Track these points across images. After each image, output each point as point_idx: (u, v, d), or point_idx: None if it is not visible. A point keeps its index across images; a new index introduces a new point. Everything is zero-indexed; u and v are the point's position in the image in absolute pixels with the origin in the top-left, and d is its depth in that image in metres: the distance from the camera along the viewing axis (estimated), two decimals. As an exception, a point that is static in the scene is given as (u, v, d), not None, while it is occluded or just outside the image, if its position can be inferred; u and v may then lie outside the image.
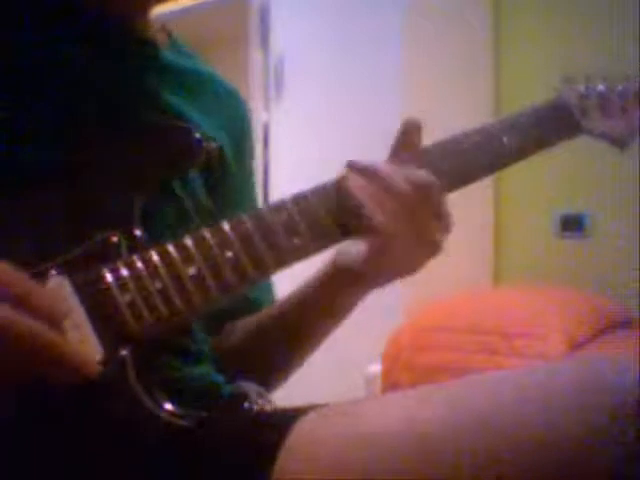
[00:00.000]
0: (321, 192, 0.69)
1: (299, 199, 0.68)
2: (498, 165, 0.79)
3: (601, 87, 0.89)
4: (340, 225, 0.69)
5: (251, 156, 0.92)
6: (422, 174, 0.71)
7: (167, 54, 0.80)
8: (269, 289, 0.91)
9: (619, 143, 0.90)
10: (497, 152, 0.79)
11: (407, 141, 0.75)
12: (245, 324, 0.86)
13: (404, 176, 0.70)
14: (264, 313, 0.86)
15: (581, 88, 0.88)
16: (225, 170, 0.83)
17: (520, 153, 0.80)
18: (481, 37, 2.39)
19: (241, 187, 0.88)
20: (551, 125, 0.84)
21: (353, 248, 0.72)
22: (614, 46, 2.16)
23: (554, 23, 2.34)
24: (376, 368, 1.89)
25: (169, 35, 0.84)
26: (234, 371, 0.78)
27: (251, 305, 0.86)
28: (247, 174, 0.91)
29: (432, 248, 0.71)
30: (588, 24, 2.27)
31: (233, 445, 0.61)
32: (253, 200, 0.92)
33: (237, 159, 0.85)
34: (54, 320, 0.54)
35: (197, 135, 0.69)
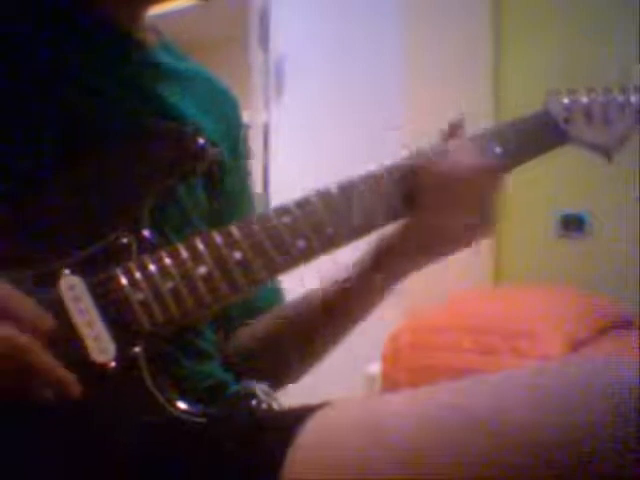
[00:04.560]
0: (326, 195, 0.70)
1: (303, 203, 0.69)
2: None
3: (584, 99, 0.92)
4: (348, 227, 0.70)
5: (246, 156, 0.92)
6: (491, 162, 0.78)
7: (161, 55, 0.81)
8: (277, 291, 0.92)
9: (605, 153, 0.92)
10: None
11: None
12: (257, 325, 0.86)
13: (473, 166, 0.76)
14: (278, 313, 0.87)
15: (565, 100, 0.91)
16: (223, 173, 0.83)
17: (511, 163, 0.84)
18: (481, 37, 2.39)
19: (238, 189, 0.89)
20: (539, 135, 0.89)
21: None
22: (614, 46, 2.16)
23: (554, 23, 2.34)
24: (376, 368, 1.89)
25: (159, 36, 0.84)
26: (246, 371, 0.78)
27: (260, 307, 0.87)
28: (243, 175, 0.91)
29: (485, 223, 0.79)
30: (588, 24, 2.27)
31: (242, 444, 0.62)
32: (250, 201, 0.93)
33: (233, 161, 0.86)
34: (38, 332, 0.56)
35: (201, 140, 0.70)
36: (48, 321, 0.57)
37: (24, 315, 0.56)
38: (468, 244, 0.79)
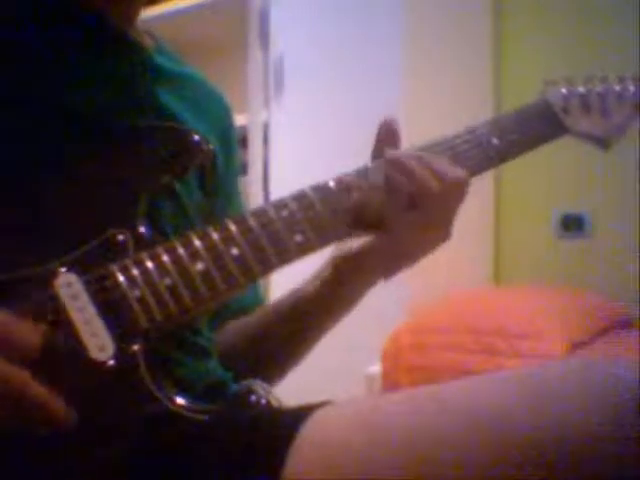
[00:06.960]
0: (323, 189, 0.70)
1: (300, 196, 0.69)
2: (488, 165, 0.81)
3: (582, 89, 0.91)
4: (343, 222, 0.70)
5: (236, 161, 0.93)
6: (456, 170, 0.73)
7: (156, 57, 0.81)
8: (257, 291, 0.92)
9: (602, 143, 0.92)
10: (487, 152, 0.80)
11: (386, 141, 0.77)
12: (241, 325, 0.86)
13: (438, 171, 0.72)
14: (262, 312, 0.87)
15: (563, 89, 0.90)
16: (216, 172, 0.84)
17: (509, 153, 0.82)
18: (481, 37, 2.39)
19: (229, 189, 0.90)
20: (536, 125, 0.87)
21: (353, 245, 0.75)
22: (614, 46, 2.16)
23: (554, 23, 2.34)
24: (376, 368, 1.89)
25: (155, 39, 0.85)
26: (233, 370, 0.78)
27: (242, 307, 0.87)
28: (233, 177, 0.92)
29: (446, 235, 0.75)
30: (588, 24, 2.27)
31: (243, 443, 0.62)
32: (239, 201, 0.93)
33: (225, 162, 0.87)
34: (27, 359, 0.54)
35: (196, 137, 0.70)
36: (36, 344, 0.55)
37: (12, 342, 0.54)
38: (426, 255, 0.76)
